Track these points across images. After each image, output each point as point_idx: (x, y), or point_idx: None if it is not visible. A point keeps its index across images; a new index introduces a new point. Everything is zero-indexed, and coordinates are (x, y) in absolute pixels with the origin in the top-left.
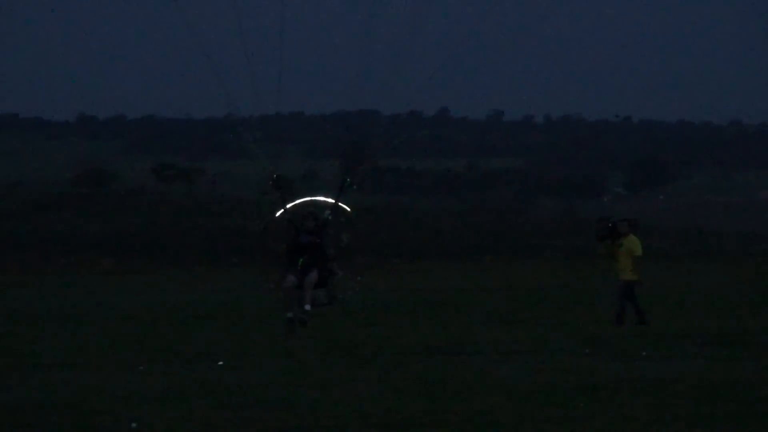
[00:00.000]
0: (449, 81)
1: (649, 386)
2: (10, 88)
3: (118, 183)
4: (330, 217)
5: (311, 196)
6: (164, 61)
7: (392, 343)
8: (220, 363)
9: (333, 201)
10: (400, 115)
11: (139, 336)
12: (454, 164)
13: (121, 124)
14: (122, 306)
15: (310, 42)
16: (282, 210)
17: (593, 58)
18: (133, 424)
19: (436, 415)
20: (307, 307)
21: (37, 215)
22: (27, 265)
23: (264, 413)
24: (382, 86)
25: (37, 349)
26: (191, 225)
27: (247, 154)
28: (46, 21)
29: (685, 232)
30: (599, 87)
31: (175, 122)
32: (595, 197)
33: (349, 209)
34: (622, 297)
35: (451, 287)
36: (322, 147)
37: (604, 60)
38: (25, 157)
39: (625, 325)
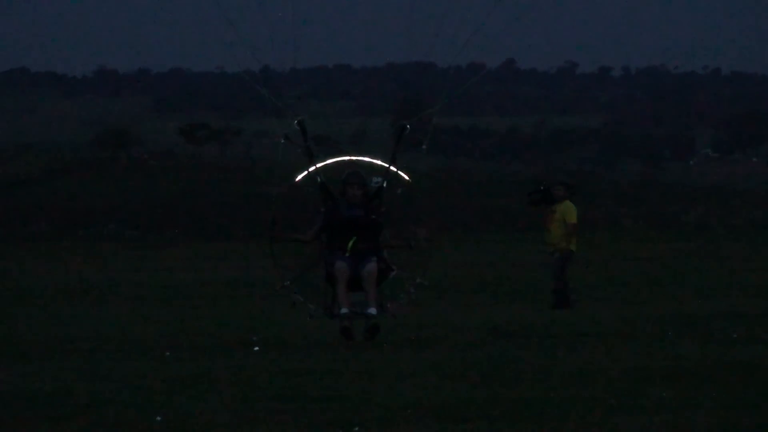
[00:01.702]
0: (515, 28)
1: (741, 372)
2: (18, 39)
3: (143, 145)
4: (384, 185)
5: (351, 156)
6: (191, 7)
7: (452, 325)
8: (256, 348)
9: (383, 163)
10: (459, 68)
11: (165, 318)
12: (521, 123)
13: (144, 79)
14: (146, 284)
15: None
16: (306, 171)
17: (676, 4)
18: (158, 417)
19: (500, 405)
20: (372, 310)
21: (51, 181)
22: (39, 236)
23: (306, 405)
24: (436, 34)
25: (51, 333)
26: (226, 192)
27: (285, 111)
28: None
29: None
30: (684, 36)
31: (205, 76)
32: (682, 159)
33: (407, 177)
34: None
35: (519, 261)
36: (372, 103)
37: (688, 6)
38: (38, 117)
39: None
